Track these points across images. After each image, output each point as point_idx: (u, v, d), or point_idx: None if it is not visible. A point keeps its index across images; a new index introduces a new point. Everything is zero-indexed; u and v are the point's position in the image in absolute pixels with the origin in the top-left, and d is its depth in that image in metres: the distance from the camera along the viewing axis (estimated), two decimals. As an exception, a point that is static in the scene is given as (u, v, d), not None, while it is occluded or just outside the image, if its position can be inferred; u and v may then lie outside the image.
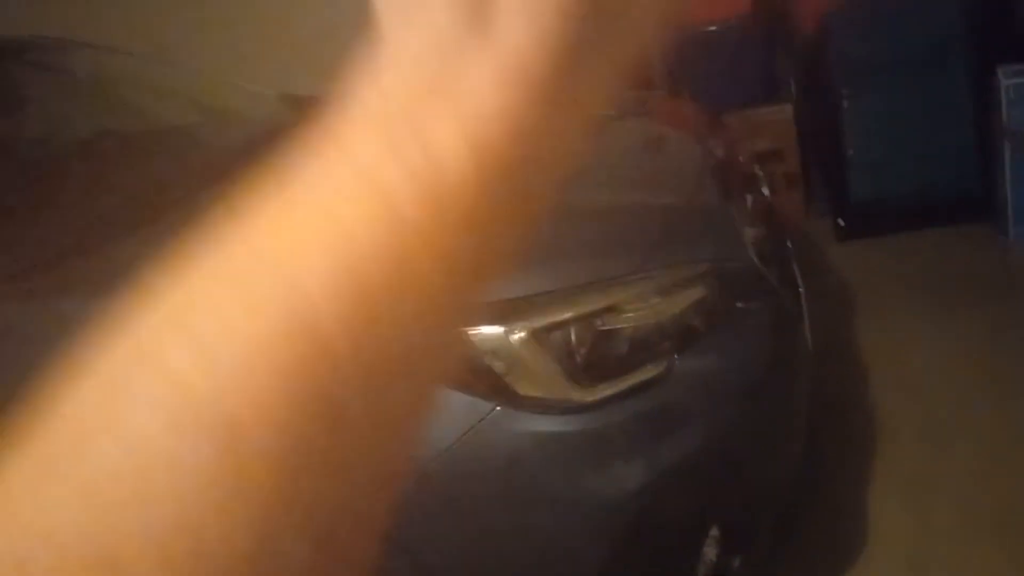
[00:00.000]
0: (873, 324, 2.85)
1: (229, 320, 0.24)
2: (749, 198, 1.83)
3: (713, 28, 3.63)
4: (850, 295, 3.08)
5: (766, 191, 1.98)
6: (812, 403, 1.85)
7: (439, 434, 1.29)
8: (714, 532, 1.51)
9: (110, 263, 1.53)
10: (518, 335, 1.29)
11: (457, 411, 1.29)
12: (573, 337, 1.33)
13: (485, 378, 1.29)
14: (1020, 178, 3.20)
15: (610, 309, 1.38)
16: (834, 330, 2.85)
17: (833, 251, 3.44)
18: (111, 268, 1.51)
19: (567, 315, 1.33)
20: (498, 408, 1.29)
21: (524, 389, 1.30)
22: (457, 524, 1.34)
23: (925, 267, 3.18)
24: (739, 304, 1.53)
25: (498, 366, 1.29)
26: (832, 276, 3.26)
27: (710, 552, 1.51)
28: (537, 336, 1.30)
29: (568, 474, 1.31)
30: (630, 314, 1.39)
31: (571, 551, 1.35)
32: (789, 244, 1.98)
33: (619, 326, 1.38)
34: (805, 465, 1.65)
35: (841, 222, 3.50)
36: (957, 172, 3.38)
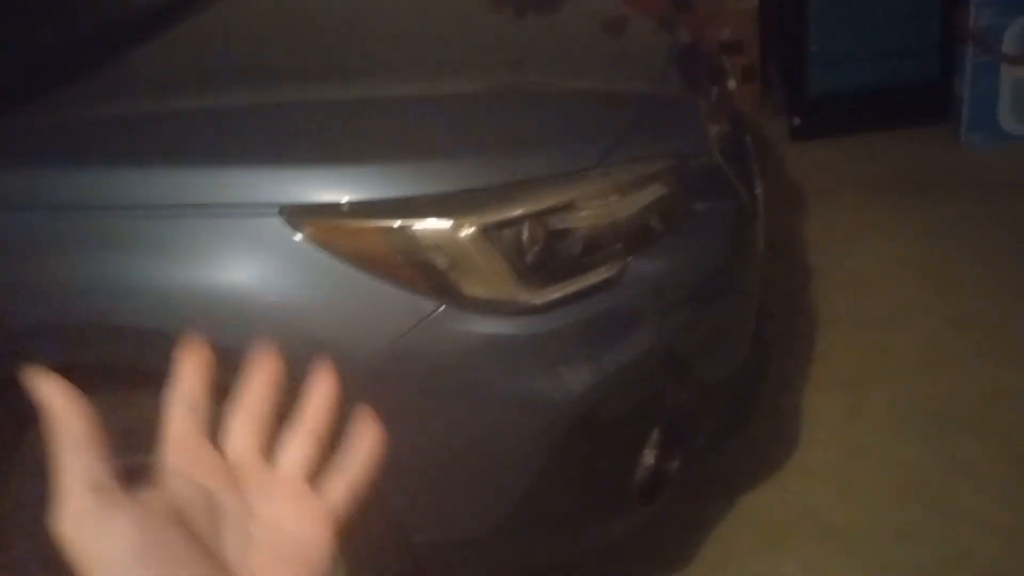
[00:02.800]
0: (821, 223, 2.84)
1: None
2: (714, 91, 1.73)
3: (682, -96, 3.42)
4: (800, 194, 3.05)
5: (732, 84, 1.88)
6: (760, 301, 1.83)
7: (379, 332, 1.21)
8: (655, 435, 1.49)
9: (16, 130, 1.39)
10: (466, 231, 1.20)
11: (398, 309, 1.20)
12: (525, 235, 1.25)
13: (429, 275, 1.20)
14: (979, 82, 3.15)
15: (566, 206, 1.29)
16: (783, 229, 2.83)
17: (786, 150, 3.38)
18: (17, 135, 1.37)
19: (520, 211, 1.24)
20: (442, 307, 1.21)
21: (470, 288, 1.22)
22: (394, 422, 1.28)
23: (877, 168, 3.16)
24: (699, 204, 1.45)
25: (443, 263, 1.20)
26: (783, 175, 3.21)
27: (649, 455, 1.49)
28: (487, 232, 1.21)
29: (511, 377, 1.25)
30: (586, 212, 1.31)
31: (510, 452, 1.31)
32: (749, 142, 1.90)
33: (573, 225, 1.30)
34: (750, 363, 1.62)
35: (796, 120, 3.43)
36: (918, 72, 3.32)
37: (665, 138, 1.45)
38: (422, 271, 1.20)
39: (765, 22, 3.59)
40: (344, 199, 1.21)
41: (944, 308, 2.34)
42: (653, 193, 1.38)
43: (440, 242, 1.20)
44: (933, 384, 2.10)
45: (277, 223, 1.20)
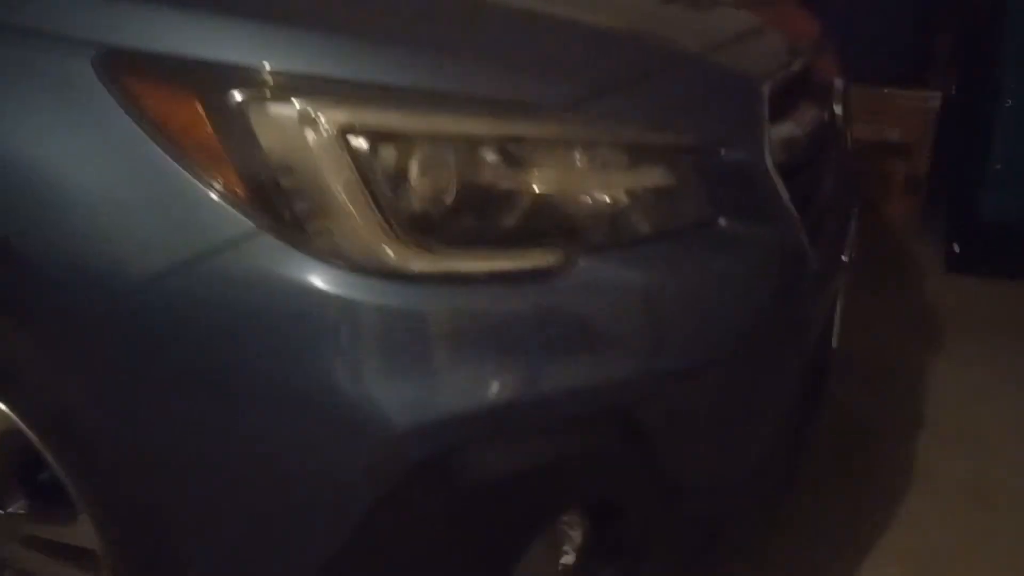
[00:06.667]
0: (951, 366, 2.25)
1: None
2: (813, 110, 1.27)
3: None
4: (935, 330, 2.46)
5: (839, 109, 1.40)
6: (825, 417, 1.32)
7: (162, 249, 0.82)
8: (574, 520, 1.01)
9: None
10: (322, 125, 0.80)
11: (201, 218, 0.81)
12: (416, 166, 0.84)
13: (255, 181, 0.81)
14: None
15: (504, 140, 0.88)
16: (903, 359, 2.27)
17: (937, 281, 2.79)
18: None
19: (420, 126, 0.84)
20: (264, 234, 0.81)
21: (314, 221, 0.81)
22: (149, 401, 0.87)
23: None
24: (721, 219, 1.00)
25: (281, 171, 0.81)
26: (924, 307, 2.63)
27: (567, 540, 1.01)
28: (352, 136, 0.81)
29: (339, 368, 0.82)
30: (535, 169, 0.89)
31: (308, 503, 0.87)
32: (855, 193, 1.41)
33: (511, 176, 0.88)
34: (757, 484, 1.11)
35: (956, 247, 2.84)
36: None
37: (692, 109, 1.00)
38: (247, 173, 0.81)
39: (943, 127, 3.05)
40: (178, 51, 0.84)
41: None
42: (647, 178, 0.94)
43: (282, 134, 0.81)
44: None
45: (86, 70, 0.84)
